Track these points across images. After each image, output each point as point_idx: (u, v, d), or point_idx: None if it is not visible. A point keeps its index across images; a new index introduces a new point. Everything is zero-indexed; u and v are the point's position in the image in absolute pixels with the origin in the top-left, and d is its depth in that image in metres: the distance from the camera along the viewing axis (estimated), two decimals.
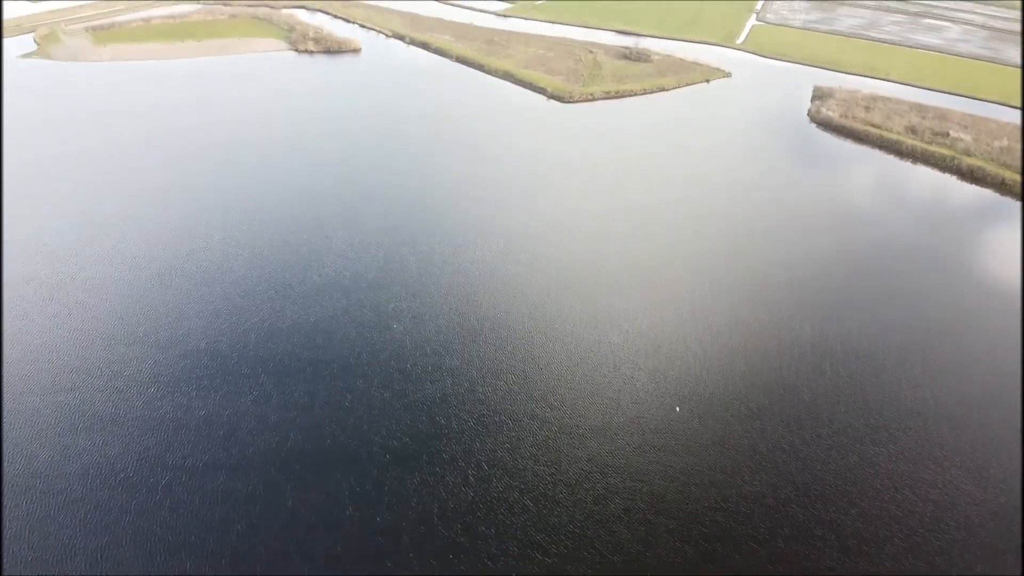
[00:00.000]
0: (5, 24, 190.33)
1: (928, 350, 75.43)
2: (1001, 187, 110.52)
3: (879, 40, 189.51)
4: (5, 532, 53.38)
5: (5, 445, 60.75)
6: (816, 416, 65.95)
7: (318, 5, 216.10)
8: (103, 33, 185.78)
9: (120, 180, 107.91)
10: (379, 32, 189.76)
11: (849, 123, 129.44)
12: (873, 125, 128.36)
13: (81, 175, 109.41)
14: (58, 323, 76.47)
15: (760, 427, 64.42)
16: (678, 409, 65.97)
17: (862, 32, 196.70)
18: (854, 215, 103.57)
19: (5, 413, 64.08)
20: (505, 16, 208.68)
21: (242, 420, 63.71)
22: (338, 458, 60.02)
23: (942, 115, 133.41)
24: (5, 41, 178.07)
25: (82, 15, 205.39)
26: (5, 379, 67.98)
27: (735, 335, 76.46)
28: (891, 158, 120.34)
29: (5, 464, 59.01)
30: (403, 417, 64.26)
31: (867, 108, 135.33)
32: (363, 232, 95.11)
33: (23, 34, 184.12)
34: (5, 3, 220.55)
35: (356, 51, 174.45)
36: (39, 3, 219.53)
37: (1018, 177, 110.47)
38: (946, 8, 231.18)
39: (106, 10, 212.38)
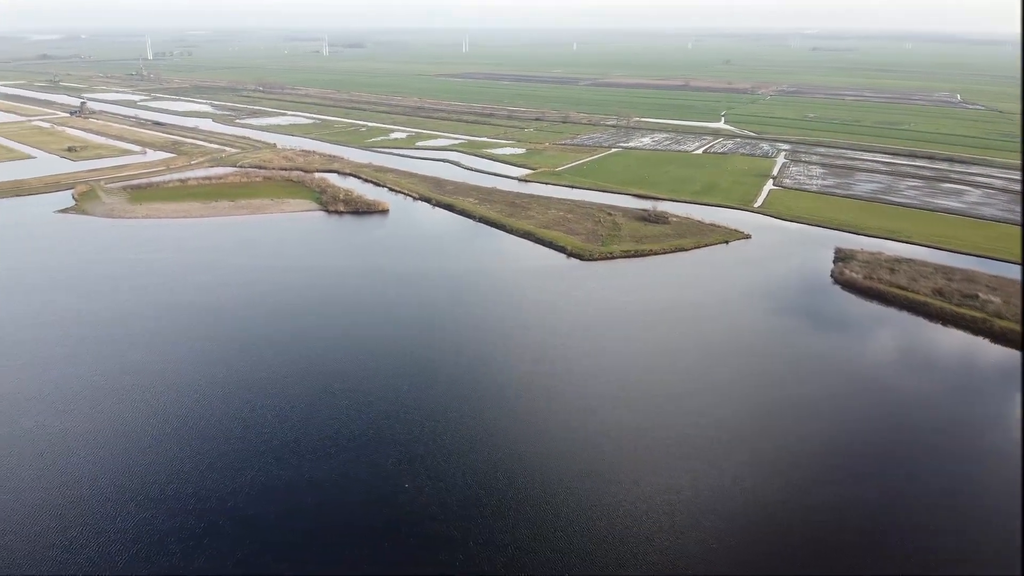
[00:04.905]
0: (46, 181, 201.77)
1: (957, 528, 69.03)
2: None
3: (898, 204, 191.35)
4: None
5: None
6: None
7: (349, 169, 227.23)
8: (140, 192, 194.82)
9: (122, 337, 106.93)
10: (407, 195, 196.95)
11: (874, 285, 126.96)
12: (899, 287, 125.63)
13: (84, 332, 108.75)
14: (45, 476, 73.37)
15: None
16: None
17: (880, 196, 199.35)
18: (886, 380, 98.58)
19: None
20: (526, 181, 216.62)
21: None
22: None
23: (969, 277, 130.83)
24: (45, 197, 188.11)
25: (121, 175, 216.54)
26: None
27: (751, 501, 70.65)
28: (920, 320, 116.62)
29: None
30: None
31: (891, 270, 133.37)
32: (367, 383, 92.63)
33: (61, 190, 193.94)
34: (48, 160, 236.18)
35: (384, 212, 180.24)
36: (80, 162, 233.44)
37: None
38: (964, 172, 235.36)
39: (145, 171, 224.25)
